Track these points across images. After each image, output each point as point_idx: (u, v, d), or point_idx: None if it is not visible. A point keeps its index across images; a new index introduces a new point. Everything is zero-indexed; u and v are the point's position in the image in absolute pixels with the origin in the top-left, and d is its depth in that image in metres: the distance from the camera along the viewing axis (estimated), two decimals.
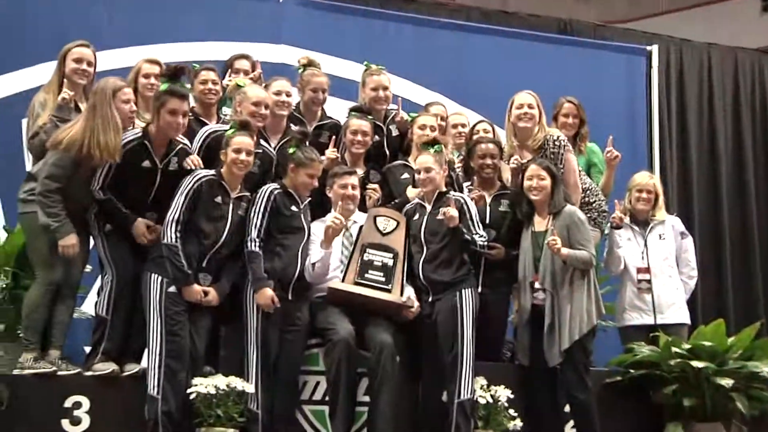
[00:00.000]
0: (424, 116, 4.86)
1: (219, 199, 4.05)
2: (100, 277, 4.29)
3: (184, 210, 3.96)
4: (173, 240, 3.93)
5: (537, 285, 4.43)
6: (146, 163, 4.06)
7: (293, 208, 4.21)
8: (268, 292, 4.03)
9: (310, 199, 4.34)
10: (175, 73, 4.12)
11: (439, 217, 4.35)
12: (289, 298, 4.17)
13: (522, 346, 4.50)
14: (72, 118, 4.09)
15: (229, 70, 4.99)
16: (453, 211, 4.27)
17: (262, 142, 4.42)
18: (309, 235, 4.26)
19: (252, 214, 4.13)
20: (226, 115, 4.77)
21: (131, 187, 4.08)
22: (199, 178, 4.02)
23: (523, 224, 4.59)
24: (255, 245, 4.10)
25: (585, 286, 4.38)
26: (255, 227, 4.11)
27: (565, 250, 4.36)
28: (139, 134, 4.07)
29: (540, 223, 4.52)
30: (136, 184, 4.07)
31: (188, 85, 4.29)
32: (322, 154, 4.59)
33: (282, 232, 4.16)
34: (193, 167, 4.12)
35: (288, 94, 4.67)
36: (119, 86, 4.09)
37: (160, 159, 4.09)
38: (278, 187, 4.23)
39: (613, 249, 5.06)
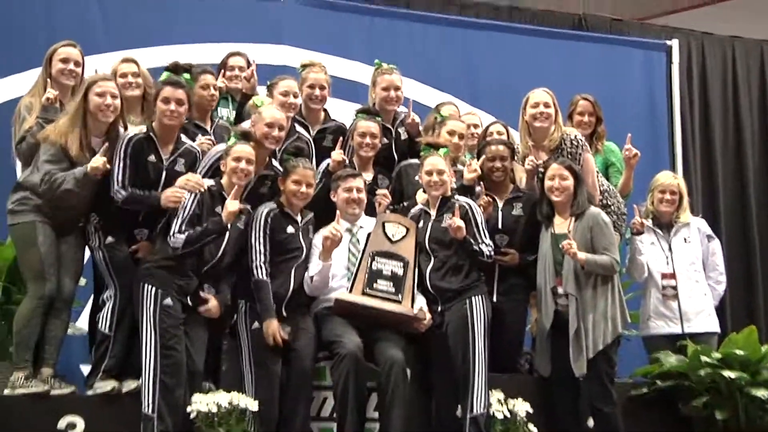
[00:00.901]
0: (455, 122, 4.82)
1: (220, 209, 4.02)
2: (94, 294, 4.26)
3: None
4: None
5: (560, 290, 4.37)
6: (152, 158, 4.07)
7: (289, 229, 4.20)
8: (274, 326, 4.03)
9: (312, 214, 4.32)
10: (176, 67, 4.16)
11: (444, 224, 4.31)
12: (284, 314, 4.13)
13: (543, 356, 4.45)
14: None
15: (223, 69, 4.97)
16: (458, 221, 4.23)
17: (275, 162, 4.39)
18: (307, 253, 4.24)
19: (253, 240, 4.13)
20: (221, 117, 4.78)
21: (137, 186, 4.05)
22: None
23: (540, 227, 4.54)
24: (262, 273, 4.10)
25: (609, 291, 4.33)
26: (260, 253, 4.11)
27: (582, 255, 4.29)
28: (144, 129, 4.10)
29: (561, 225, 4.45)
30: (142, 181, 4.05)
31: (187, 76, 4.26)
32: (325, 156, 4.56)
33: (278, 254, 4.15)
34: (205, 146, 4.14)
35: (295, 95, 4.66)
36: (95, 79, 4.07)
37: (166, 156, 4.11)
38: (274, 207, 4.22)
39: (635, 256, 4.98)
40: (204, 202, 4.01)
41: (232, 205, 3.97)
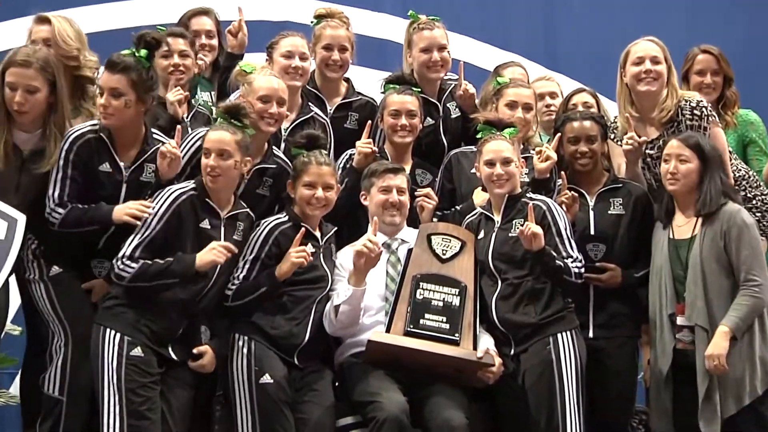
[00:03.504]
0: (517, 89, 4.81)
1: (205, 222, 4.03)
2: (29, 346, 4.31)
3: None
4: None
5: (681, 320, 4.29)
6: (105, 167, 4.07)
7: (308, 247, 4.20)
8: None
9: (334, 229, 4.37)
10: (140, 40, 4.13)
11: (514, 233, 4.28)
12: (296, 362, 4.14)
13: (660, 413, 4.37)
14: None
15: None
16: (534, 227, 4.16)
17: (275, 150, 4.43)
18: (332, 282, 4.28)
19: (245, 256, 4.18)
20: (200, 103, 4.85)
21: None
22: (176, 196, 4.03)
23: (650, 232, 4.51)
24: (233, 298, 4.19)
25: (757, 323, 4.24)
26: (241, 270, 4.16)
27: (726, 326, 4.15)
28: (95, 126, 4.10)
29: (683, 228, 4.38)
30: (90, 199, 4.05)
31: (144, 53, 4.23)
32: (347, 144, 4.59)
33: (291, 283, 4.17)
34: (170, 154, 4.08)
35: (303, 57, 4.69)
36: (8, 62, 4.06)
37: (126, 162, 4.11)
38: (284, 219, 4.24)
39: None
40: (182, 214, 3.98)
41: None
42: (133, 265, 3.90)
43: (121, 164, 4.10)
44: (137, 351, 3.88)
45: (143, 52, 4.16)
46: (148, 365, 3.90)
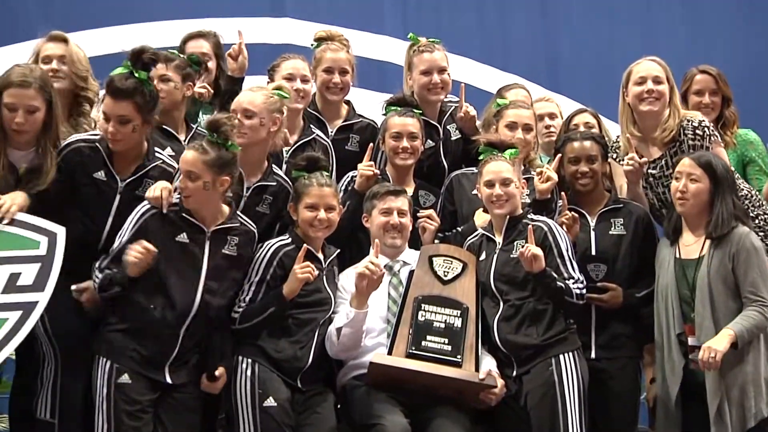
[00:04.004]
0: (517, 110, 4.80)
1: (183, 236, 4.00)
2: (17, 368, 4.28)
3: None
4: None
5: (692, 341, 4.26)
6: (99, 174, 4.08)
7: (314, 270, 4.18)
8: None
9: (336, 252, 4.35)
10: (137, 58, 4.09)
11: (515, 254, 4.27)
12: (299, 385, 4.12)
13: None
14: None
15: None
16: (534, 249, 4.14)
17: (275, 168, 4.43)
18: (334, 305, 4.27)
19: (252, 273, 4.17)
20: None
21: (78, 216, 4.07)
22: (144, 211, 4.01)
23: (651, 252, 4.50)
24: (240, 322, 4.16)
25: (762, 344, 4.23)
26: (247, 293, 4.15)
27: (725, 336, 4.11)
28: (97, 136, 4.12)
29: (690, 248, 4.35)
30: (80, 206, 4.07)
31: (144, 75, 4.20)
32: (349, 166, 4.61)
33: (295, 306, 4.16)
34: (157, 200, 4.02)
35: (304, 80, 4.71)
36: (7, 80, 4.04)
37: (123, 174, 4.11)
38: (288, 241, 4.22)
39: None
40: (149, 228, 3.95)
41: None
42: (99, 275, 3.93)
43: (117, 176, 4.10)
44: (125, 378, 3.87)
45: (143, 74, 4.13)
46: (136, 392, 3.88)
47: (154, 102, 4.13)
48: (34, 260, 3.85)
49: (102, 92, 4.26)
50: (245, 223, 4.14)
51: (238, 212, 4.17)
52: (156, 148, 4.22)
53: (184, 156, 4.00)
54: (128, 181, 4.10)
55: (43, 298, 3.78)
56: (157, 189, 4.05)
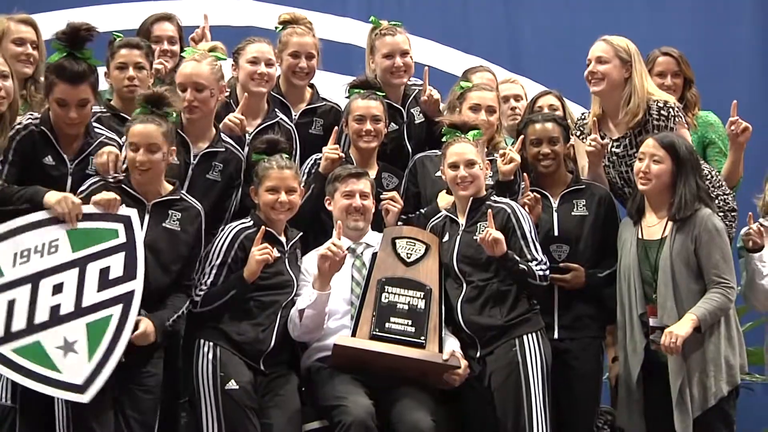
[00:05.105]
0: (480, 92, 4.81)
1: (123, 209, 3.97)
2: None
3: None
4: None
5: (653, 321, 4.27)
6: (48, 159, 4.04)
7: (274, 252, 4.16)
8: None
9: (299, 234, 4.35)
10: (75, 36, 3.99)
11: (478, 236, 4.26)
12: (261, 368, 4.12)
13: (631, 413, 4.36)
14: None
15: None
16: (494, 232, 4.15)
17: (224, 136, 4.42)
18: (297, 287, 4.26)
19: (213, 256, 4.17)
20: None
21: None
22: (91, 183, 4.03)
23: (614, 232, 4.50)
24: (201, 305, 4.16)
25: (723, 325, 4.23)
26: (208, 276, 4.15)
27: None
28: (36, 119, 4.05)
29: (653, 229, 4.35)
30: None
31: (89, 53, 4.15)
32: (313, 149, 4.60)
33: (257, 288, 4.16)
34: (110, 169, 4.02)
35: (269, 63, 4.68)
36: None
37: (70, 155, 4.07)
38: (249, 224, 4.23)
39: (754, 281, 4.76)
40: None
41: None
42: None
43: (65, 157, 4.07)
44: None
45: (87, 52, 4.07)
46: None
47: (98, 77, 4.13)
48: (118, 250, 3.90)
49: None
50: (189, 200, 4.13)
51: (187, 183, 4.23)
52: (94, 123, 4.20)
53: (142, 130, 3.98)
54: (76, 161, 4.07)
55: (138, 286, 3.87)
56: (104, 154, 4.04)
